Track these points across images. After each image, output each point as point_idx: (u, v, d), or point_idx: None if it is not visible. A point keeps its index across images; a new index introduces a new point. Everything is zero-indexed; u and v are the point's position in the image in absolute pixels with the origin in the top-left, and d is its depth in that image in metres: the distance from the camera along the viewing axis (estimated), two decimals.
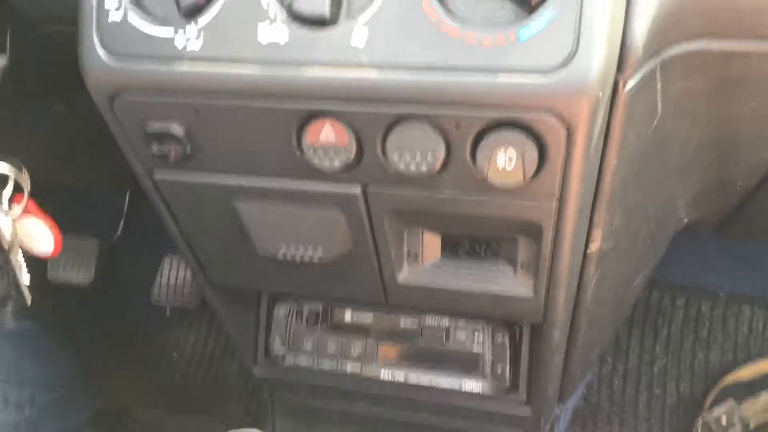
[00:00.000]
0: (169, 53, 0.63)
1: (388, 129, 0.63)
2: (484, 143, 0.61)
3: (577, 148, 0.60)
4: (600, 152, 0.66)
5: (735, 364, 1.55)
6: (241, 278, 0.92)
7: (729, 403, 1.46)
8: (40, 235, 0.94)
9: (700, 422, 1.47)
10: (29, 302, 1.00)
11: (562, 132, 0.58)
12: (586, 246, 0.77)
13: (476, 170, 0.63)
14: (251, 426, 1.15)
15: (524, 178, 0.62)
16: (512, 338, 0.96)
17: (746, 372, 1.53)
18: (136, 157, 0.75)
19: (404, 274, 0.82)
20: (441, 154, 0.63)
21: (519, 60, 0.55)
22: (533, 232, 0.73)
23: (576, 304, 0.84)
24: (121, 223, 1.88)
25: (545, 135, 0.59)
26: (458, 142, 0.62)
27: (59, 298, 1.86)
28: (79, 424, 1.69)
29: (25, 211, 0.93)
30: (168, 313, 1.88)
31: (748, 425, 1.43)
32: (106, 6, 0.64)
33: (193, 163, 0.73)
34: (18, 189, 0.92)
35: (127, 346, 1.91)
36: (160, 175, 0.77)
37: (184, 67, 0.63)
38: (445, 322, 0.98)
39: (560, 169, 0.62)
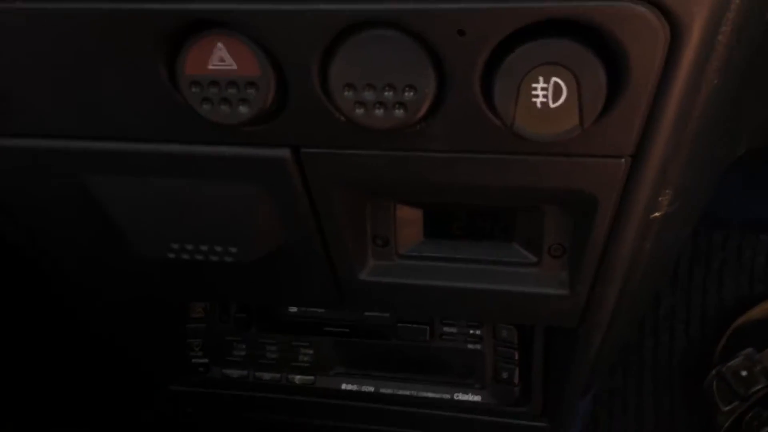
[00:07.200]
0: None
1: (332, 45, 0.36)
2: (508, 64, 0.35)
3: (685, 61, 0.35)
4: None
5: (752, 301, 1.33)
6: (122, 287, 0.61)
7: (748, 352, 1.25)
8: None
9: (714, 375, 1.26)
10: None
11: (662, 33, 0.33)
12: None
13: (492, 113, 0.34)
14: None
15: (581, 122, 0.35)
16: (521, 334, 0.69)
17: (761, 310, 1.32)
18: None
19: (369, 269, 0.54)
20: (429, 88, 0.35)
21: None
22: (577, 203, 0.45)
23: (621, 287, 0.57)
24: None
25: (628, 42, 0.34)
26: (460, 64, 0.36)
27: None
28: None
29: None
30: None
31: None
32: None
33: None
34: None
35: None
36: None
37: None
38: None
39: (646, 105, 0.37)
